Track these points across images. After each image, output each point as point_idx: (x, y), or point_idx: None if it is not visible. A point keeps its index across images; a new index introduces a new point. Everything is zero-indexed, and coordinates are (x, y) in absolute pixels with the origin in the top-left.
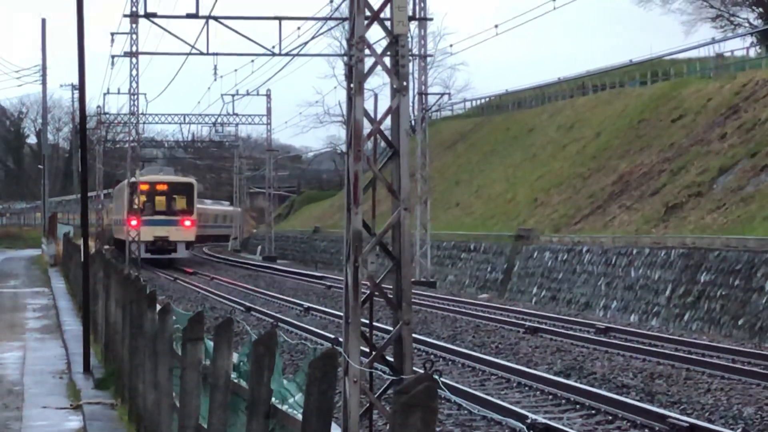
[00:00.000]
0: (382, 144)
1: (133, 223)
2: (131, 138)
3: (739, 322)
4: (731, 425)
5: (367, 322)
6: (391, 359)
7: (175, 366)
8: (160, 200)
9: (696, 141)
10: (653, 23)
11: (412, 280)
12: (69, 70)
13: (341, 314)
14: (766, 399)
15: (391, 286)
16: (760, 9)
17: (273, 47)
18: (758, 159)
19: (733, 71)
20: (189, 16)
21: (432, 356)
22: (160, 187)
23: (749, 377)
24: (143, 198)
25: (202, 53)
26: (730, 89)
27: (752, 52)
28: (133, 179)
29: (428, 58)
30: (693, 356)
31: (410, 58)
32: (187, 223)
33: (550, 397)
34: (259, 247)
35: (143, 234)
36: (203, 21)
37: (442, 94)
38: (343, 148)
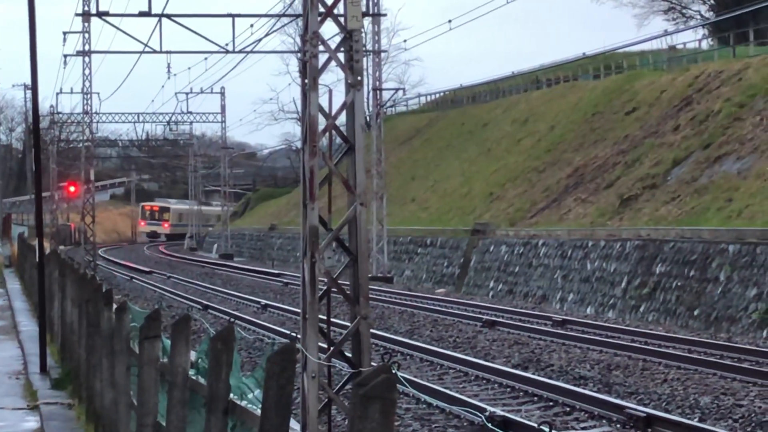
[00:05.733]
0: (337, 140)
1: (142, 224)
2: (85, 137)
3: (695, 313)
4: (688, 415)
5: (325, 317)
6: (350, 354)
7: (133, 364)
8: (154, 214)
9: (650, 133)
10: (606, 17)
11: (369, 275)
12: (21, 70)
13: (299, 311)
14: (723, 388)
15: (348, 282)
16: (711, 1)
17: (226, 45)
18: (711, 150)
19: (685, 63)
20: (142, 14)
21: (390, 351)
22: (155, 208)
23: (705, 367)
24: (148, 212)
25: (155, 51)
26: (683, 81)
27: (704, 44)
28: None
29: (382, 54)
30: (649, 347)
31: (364, 53)
32: (165, 225)
33: (508, 389)
34: (215, 245)
35: (146, 228)
36: (156, 19)
37: (397, 90)
38: (298, 144)
